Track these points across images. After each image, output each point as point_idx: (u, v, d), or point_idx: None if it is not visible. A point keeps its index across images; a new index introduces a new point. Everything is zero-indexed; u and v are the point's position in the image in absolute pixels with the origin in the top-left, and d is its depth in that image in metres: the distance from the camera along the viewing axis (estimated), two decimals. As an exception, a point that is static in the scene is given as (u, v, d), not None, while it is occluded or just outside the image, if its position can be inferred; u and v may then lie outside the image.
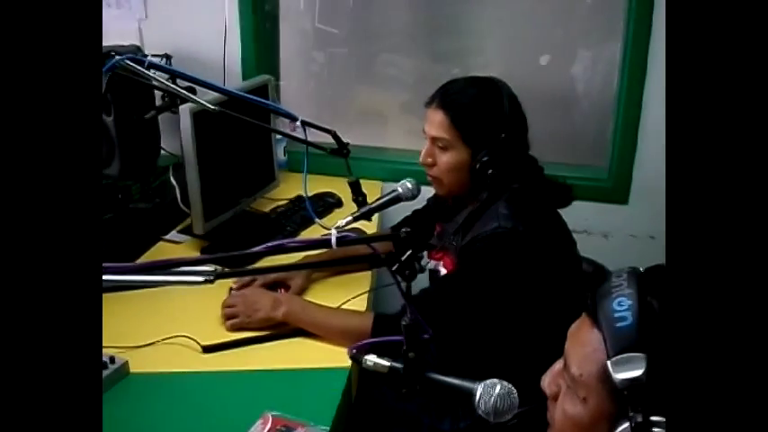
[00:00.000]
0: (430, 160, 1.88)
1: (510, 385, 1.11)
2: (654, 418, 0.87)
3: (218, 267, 1.15)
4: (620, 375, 0.88)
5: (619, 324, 0.90)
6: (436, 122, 1.84)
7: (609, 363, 0.89)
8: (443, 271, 1.95)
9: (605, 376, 0.90)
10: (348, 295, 1.95)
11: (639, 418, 0.87)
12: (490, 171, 1.79)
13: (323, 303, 1.87)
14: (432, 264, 2.00)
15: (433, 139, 1.86)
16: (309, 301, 1.87)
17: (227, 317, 1.83)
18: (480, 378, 1.13)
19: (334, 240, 1.11)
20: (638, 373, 0.87)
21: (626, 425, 0.88)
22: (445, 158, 1.84)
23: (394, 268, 1.11)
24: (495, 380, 1.11)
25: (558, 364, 1.03)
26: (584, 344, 0.95)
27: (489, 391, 1.10)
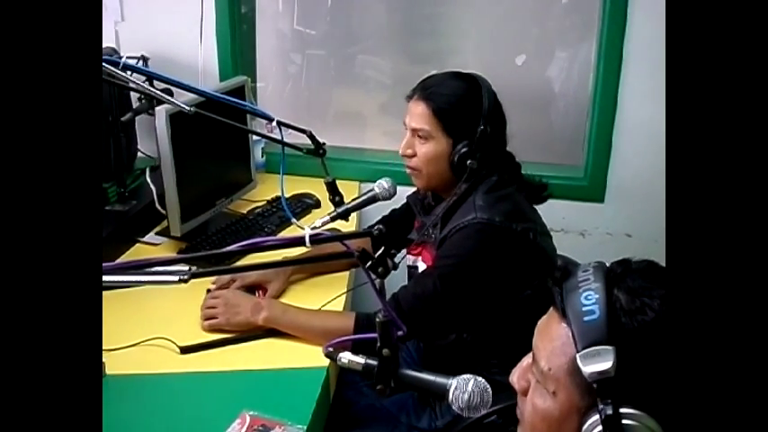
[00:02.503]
0: (410, 151, 1.89)
1: (484, 381, 1.12)
2: (623, 410, 0.88)
3: (193, 267, 1.14)
4: (589, 368, 0.88)
5: (587, 318, 0.91)
6: (417, 114, 1.85)
7: (578, 356, 0.89)
8: (421, 265, 1.96)
9: (574, 370, 0.91)
10: (326, 296, 1.95)
11: (609, 411, 0.88)
12: (469, 162, 1.80)
13: (301, 305, 1.87)
14: (410, 259, 2.01)
15: (414, 131, 1.87)
16: (289, 305, 1.87)
17: (206, 317, 1.83)
18: (457, 374, 1.13)
19: (307, 238, 1.12)
20: (606, 365, 0.88)
21: (595, 417, 0.89)
22: (425, 149, 1.86)
23: (367, 265, 1.12)
24: (469, 375, 1.12)
25: (527, 359, 1.04)
26: (552, 338, 0.96)
27: (462, 387, 1.10)
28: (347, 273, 2.13)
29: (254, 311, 1.81)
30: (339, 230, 1.98)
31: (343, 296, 2.00)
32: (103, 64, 1.68)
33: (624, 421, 0.87)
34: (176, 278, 1.11)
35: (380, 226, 1.20)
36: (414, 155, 1.88)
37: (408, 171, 1.93)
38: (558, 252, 1.94)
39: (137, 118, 2.40)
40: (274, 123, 1.93)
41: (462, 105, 1.83)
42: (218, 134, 2.31)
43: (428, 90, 1.86)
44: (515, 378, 1.05)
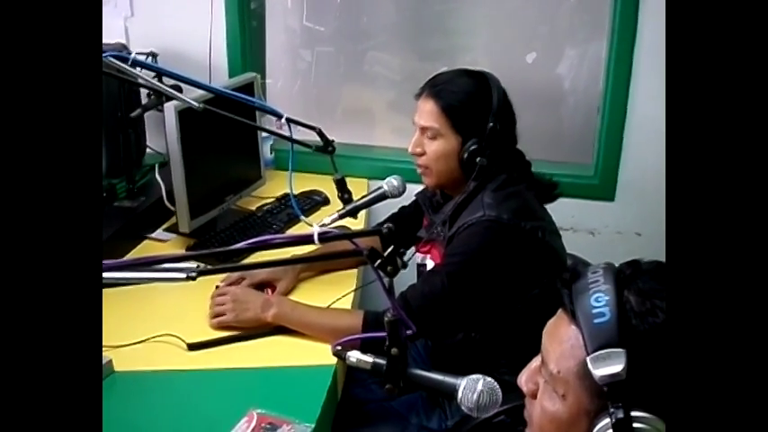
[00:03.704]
0: (419, 149, 1.88)
1: (493, 381, 1.11)
2: (634, 414, 0.87)
3: (201, 264, 1.14)
4: (600, 371, 0.87)
5: (597, 320, 0.89)
6: (426, 112, 1.84)
7: (588, 359, 0.88)
8: (430, 264, 1.95)
9: (584, 373, 0.90)
10: (335, 294, 1.95)
11: (620, 414, 0.87)
12: (479, 160, 1.79)
13: (310, 303, 1.86)
14: (419, 258, 2.00)
15: (423, 129, 1.86)
16: (298, 302, 1.86)
17: (215, 315, 1.82)
18: (465, 373, 1.13)
19: (316, 236, 1.11)
20: (617, 368, 0.87)
21: (606, 421, 0.88)
22: (434, 147, 1.85)
23: (376, 264, 1.11)
24: (479, 375, 1.11)
25: (536, 361, 1.03)
26: (561, 340, 0.95)
27: (472, 387, 1.09)
28: (356, 270, 2.13)
29: (263, 308, 1.80)
30: (348, 228, 1.97)
31: (352, 294, 1.99)
32: (112, 60, 1.68)
33: (635, 425, 0.87)
34: (184, 275, 1.10)
35: (390, 224, 1.19)
36: (423, 153, 1.87)
37: (418, 169, 1.92)
38: (568, 251, 1.93)
39: (146, 114, 2.37)
40: (283, 120, 1.92)
41: (472, 103, 1.82)
42: (227, 131, 2.31)
43: (437, 87, 1.84)
44: (524, 380, 1.04)
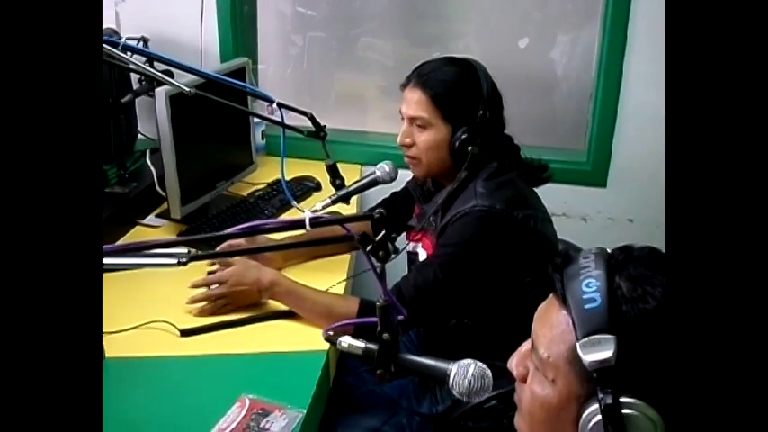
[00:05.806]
0: (408, 141, 1.86)
1: (484, 366, 1.12)
2: (623, 399, 0.87)
3: (192, 249, 1.14)
4: (590, 357, 0.87)
5: (587, 305, 0.89)
6: (414, 102, 1.82)
7: (578, 344, 0.88)
8: (422, 252, 1.95)
9: (574, 358, 0.90)
10: (326, 279, 1.95)
11: (609, 400, 0.87)
12: (470, 148, 1.78)
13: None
14: (410, 245, 2.00)
15: (411, 120, 1.84)
16: (295, 282, 1.84)
17: (212, 298, 1.81)
18: (457, 359, 1.13)
19: (307, 221, 1.11)
20: (607, 354, 0.87)
21: (595, 406, 0.88)
22: (424, 137, 1.83)
23: (368, 249, 1.11)
24: (470, 360, 1.12)
25: (526, 345, 1.03)
26: (552, 325, 0.95)
27: (463, 372, 1.10)
28: (348, 256, 2.12)
29: (260, 289, 1.80)
30: (340, 213, 1.97)
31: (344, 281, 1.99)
32: (103, 45, 1.67)
33: (624, 410, 0.87)
34: (175, 261, 1.10)
35: (381, 209, 1.19)
36: (413, 144, 1.86)
37: (407, 160, 1.91)
38: (560, 237, 1.93)
39: (137, 100, 2.38)
40: (275, 105, 1.92)
41: (460, 90, 1.81)
42: (218, 116, 2.30)
43: (424, 77, 1.82)
44: (514, 364, 1.04)
